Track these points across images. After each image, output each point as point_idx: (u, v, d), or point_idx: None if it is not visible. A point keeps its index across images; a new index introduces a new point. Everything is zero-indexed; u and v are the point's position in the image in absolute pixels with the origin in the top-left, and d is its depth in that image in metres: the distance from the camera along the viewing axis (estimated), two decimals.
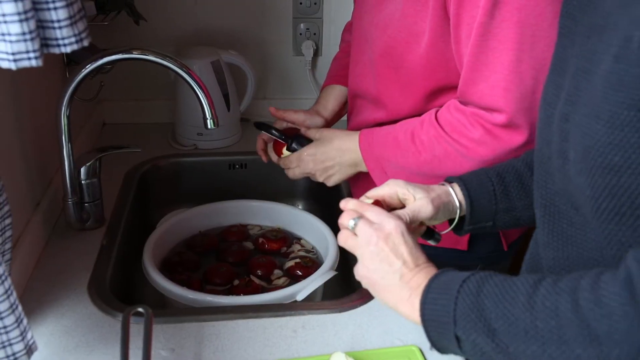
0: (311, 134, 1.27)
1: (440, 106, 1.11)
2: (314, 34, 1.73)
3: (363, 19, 1.22)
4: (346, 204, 0.82)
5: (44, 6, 0.71)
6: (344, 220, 0.80)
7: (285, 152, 1.28)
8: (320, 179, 1.24)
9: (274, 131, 1.28)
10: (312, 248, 1.32)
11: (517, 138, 1.00)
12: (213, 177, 1.55)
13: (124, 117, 1.72)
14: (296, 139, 1.26)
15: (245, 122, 1.68)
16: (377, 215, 0.78)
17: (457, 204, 0.89)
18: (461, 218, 0.90)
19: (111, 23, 1.45)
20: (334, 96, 1.38)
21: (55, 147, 1.15)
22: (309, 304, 1.06)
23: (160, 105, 1.72)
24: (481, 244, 1.21)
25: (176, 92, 1.60)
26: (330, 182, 1.24)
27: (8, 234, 0.91)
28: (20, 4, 0.67)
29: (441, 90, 1.11)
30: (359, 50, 1.25)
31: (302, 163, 1.24)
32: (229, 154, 1.58)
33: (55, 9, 0.71)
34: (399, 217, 0.79)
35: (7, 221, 0.89)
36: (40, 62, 0.71)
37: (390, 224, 0.76)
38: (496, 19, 0.96)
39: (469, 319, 0.65)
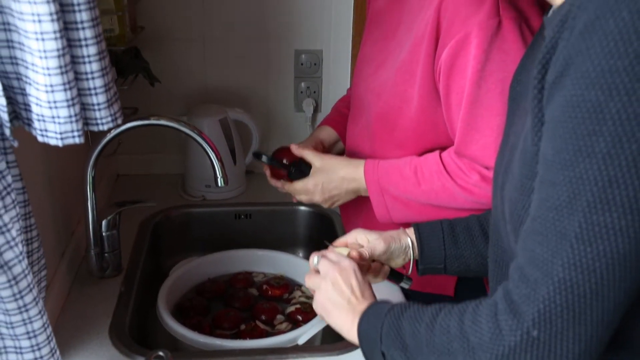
0: (310, 157, 1.32)
1: None
2: (314, 92, 1.86)
3: (360, 85, 1.35)
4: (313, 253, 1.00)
5: (87, 92, 0.84)
6: (310, 260, 0.98)
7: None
8: (326, 205, 1.33)
9: (273, 161, 1.35)
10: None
11: None
12: (220, 227, 1.67)
13: (137, 169, 1.84)
14: (296, 166, 1.33)
15: (250, 174, 1.80)
16: (335, 255, 0.95)
17: (409, 244, 1.05)
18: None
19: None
20: (322, 133, 1.50)
21: (78, 201, 1.27)
22: (310, 347, 1.16)
23: (170, 159, 1.85)
24: (467, 291, 1.31)
25: (186, 146, 1.72)
26: (333, 206, 1.34)
27: (43, 284, 1.02)
28: (69, 92, 0.80)
29: (432, 150, 1.24)
30: (357, 113, 1.38)
31: (309, 193, 1.32)
32: (235, 205, 1.70)
33: (96, 94, 0.84)
34: (353, 258, 0.96)
35: (43, 273, 1.01)
36: (82, 140, 0.84)
37: (345, 262, 0.93)
38: (482, 89, 1.08)
39: (390, 337, 0.80)
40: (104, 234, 1.29)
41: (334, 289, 0.90)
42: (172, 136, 1.77)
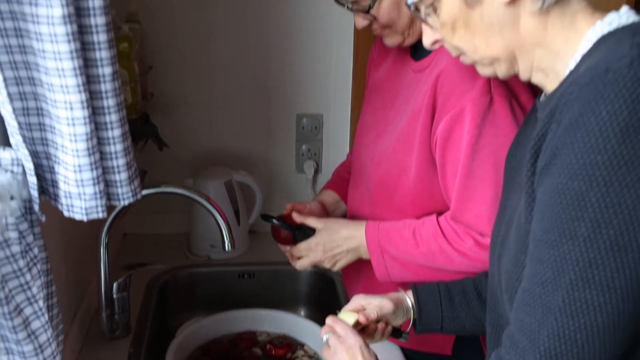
0: (312, 223, 1.38)
1: None
2: (315, 154, 1.94)
3: (361, 152, 1.43)
4: (327, 320, 1.05)
5: (111, 170, 0.90)
6: (321, 334, 1.04)
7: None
8: (327, 266, 1.36)
9: (280, 222, 1.40)
10: (314, 354, 1.47)
11: None
12: (224, 286, 1.72)
13: (143, 228, 1.90)
14: (300, 229, 1.38)
15: (253, 234, 1.86)
16: (343, 329, 1.01)
17: (410, 306, 1.11)
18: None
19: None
20: (324, 197, 1.56)
21: (89, 262, 1.32)
22: None
23: (176, 218, 1.91)
24: (465, 350, 1.36)
25: (191, 206, 1.79)
26: (336, 268, 1.37)
27: (61, 347, 1.07)
28: (95, 172, 0.87)
29: (429, 215, 1.30)
30: (357, 178, 1.45)
31: (312, 252, 1.36)
32: (239, 264, 1.75)
33: (119, 172, 0.90)
34: (361, 322, 1.03)
35: (60, 338, 1.06)
36: (105, 214, 0.90)
37: (351, 339, 0.99)
38: (476, 161, 1.16)
39: None
40: (114, 296, 1.34)
41: None
42: (178, 197, 1.83)
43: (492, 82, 1.14)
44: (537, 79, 0.86)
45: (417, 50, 1.31)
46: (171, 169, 1.85)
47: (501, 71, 0.87)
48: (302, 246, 1.37)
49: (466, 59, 0.90)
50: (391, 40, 1.28)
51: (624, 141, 0.66)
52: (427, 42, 0.93)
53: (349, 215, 1.49)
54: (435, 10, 0.86)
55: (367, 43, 1.81)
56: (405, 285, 1.20)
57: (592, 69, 0.70)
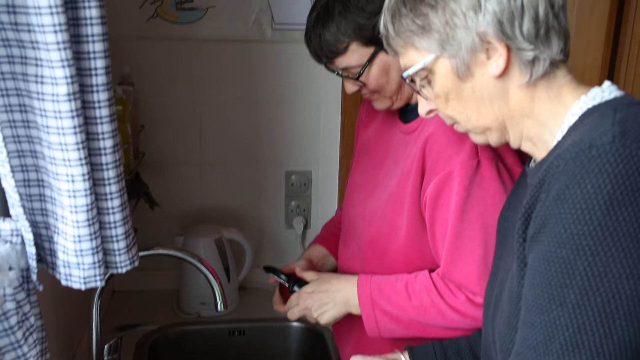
0: (308, 276, 1.40)
1: None
2: (304, 210, 1.97)
3: (351, 211, 1.45)
4: None
5: (110, 239, 0.92)
6: None
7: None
8: (315, 315, 1.36)
9: (280, 275, 1.43)
10: None
11: None
12: (215, 343, 1.71)
13: (133, 285, 1.90)
14: (296, 282, 1.40)
15: (243, 291, 1.86)
16: None
17: None
18: None
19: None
20: (312, 254, 1.58)
21: (79, 322, 1.32)
22: None
23: (166, 275, 1.91)
24: None
25: (181, 263, 1.79)
26: (323, 320, 1.36)
27: None
28: (94, 242, 0.88)
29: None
30: (348, 236, 1.47)
31: (301, 300, 1.36)
32: (229, 322, 1.75)
33: (117, 241, 0.92)
34: None
35: None
36: (103, 283, 0.91)
37: None
38: (464, 222, 1.18)
39: None
40: (105, 358, 1.34)
41: None
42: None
43: (479, 145, 1.18)
44: (526, 147, 0.91)
45: (405, 113, 1.35)
46: (162, 226, 1.86)
47: (493, 139, 0.92)
48: (293, 296, 1.38)
49: (459, 127, 0.94)
50: (380, 105, 1.32)
51: (608, 213, 0.69)
52: (422, 111, 0.97)
53: (339, 273, 1.51)
54: (429, 82, 0.91)
55: (355, 101, 1.86)
56: (397, 343, 1.20)
57: (576, 144, 0.74)
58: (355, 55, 1.22)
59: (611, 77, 2.12)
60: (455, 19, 0.84)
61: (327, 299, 1.34)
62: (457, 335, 1.21)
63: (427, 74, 0.90)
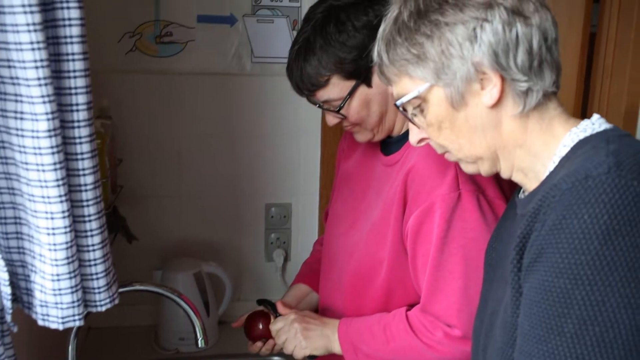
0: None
1: None
2: (284, 242, 1.95)
3: (333, 242, 1.44)
4: None
5: (89, 277, 0.90)
6: None
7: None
8: (299, 336, 1.32)
9: (272, 308, 1.41)
10: None
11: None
12: None
13: (109, 321, 1.85)
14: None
15: (222, 325, 1.83)
16: None
17: None
18: None
19: None
20: (295, 294, 1.56)
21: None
22: None
23: (143, 310, 1.87)
24: None
25: (159, 298, 1.76)
26: (304, 344, 1.32)
27: None
28: (73, 280, 0.86)
29: (401, 305, 1.31)
30: (329, 269, 1.46)
31: (288, 320, 1.34)
32: (209, 357, 1.72)
33: (97, 278, 0.90)
34: None
35: None
36: (82, 322, 0.89)
37: None
38: (445, 254, 1.18)
39: None
40: None
41: None
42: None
43: (460, 178, 1.19)
44: (517, 178, 0.91)
45: (387, 145, 1.35)
46: (140, 260, 1.83)
47: (484, 169, 0.92)
48: (280, 318, 1.37)
49: (450, 156, 0.94)
50: (361, 137, 1.32)
51: (605, 242, 0.70)
52: (413, 139, 0.97)
53: (321, 309, 1.49)
54: (422, 110, 0.91)
55: (335, 132, 1.87)
56: None
57: (572, 174, 0.74)
58: (336, 88, 1.23)
59: (585, 110, 2.16)
60: (451, 48, 0.84)
61: (313, 326, 1.33)
62: None
63: (421, 102, 0.90)
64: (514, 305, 0.80)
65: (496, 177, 1.24)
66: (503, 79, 0.84)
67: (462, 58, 0.84)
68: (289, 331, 1.35)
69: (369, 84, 1.24)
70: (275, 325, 1.37)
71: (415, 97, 0.89)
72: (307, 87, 1.24)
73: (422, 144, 0.97)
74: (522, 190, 0.95)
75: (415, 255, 1.23)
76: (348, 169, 1.49)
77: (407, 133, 1.30)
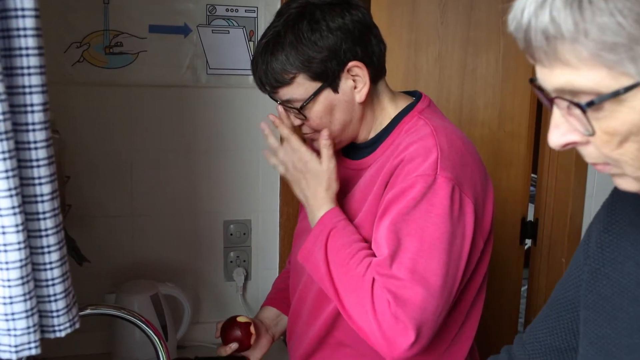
0: None
1: None
2: (244, 261, 1.87)
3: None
4: None
5: (46, 299, 0.81)
6: None
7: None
8: (283, 166, 1.26)
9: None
10: None
11: (405, 338, 1.07)
12: None
13: (57, 351, 1.72)
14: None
15: (181, 349, 1.74)
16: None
17: None
18: None
19: None
20: (265, 315, 1.49)
21: None
22: None
23: (95, 337, 1.75)
24: None
25: (113, 324, 1.65)
26: (288, 176, 1.25)
27: None
28: (28, 303, 0.77)
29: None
30: (296, 282, 1.39)
31: (286, 153, 1.25)
32: None
33: (55, 300, 0.81)
34: None
35: None
36: (39, 351, 0.80)
37: None
38: (403, 231, 1.10)
39: None
40: None
41: None
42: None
43: (439, 164, 1.11)
44: None
45: (353, 150, 1.30)
46: (91, 284, 1.71)
47: None
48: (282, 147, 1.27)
49: (612, 169, 0.70)
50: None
51: None
52: (557, 142, 0.69)
53: (290, 324, 1.42)
54: (596, 110, 0.64)
55: None
56: None
57: None
58: (300, 88, 1.18)
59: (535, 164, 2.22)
60: None
61: (303, 177, 1.24)
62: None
63: (603, 102, 0.63)
64: None
65: (476, 179, 1.19)
66: None
67: None
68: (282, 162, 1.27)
69: (335, 89, 1.19)
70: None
71: (610, 97, 0.62)
72: (270, 82, 1.19)
73: (567, 148, 0.70)
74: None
75: (377, 229, 1.14)
76: None
77: (379, 136, 1.26)
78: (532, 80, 0.69)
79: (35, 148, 0.75)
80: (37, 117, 0.74)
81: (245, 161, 1.83)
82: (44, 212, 0.77)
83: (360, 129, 1.26)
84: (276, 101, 1.24)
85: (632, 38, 0.58)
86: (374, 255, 1.15)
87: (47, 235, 0.78)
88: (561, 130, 0.68)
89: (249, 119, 1.80)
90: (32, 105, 0.73)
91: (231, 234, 1.85)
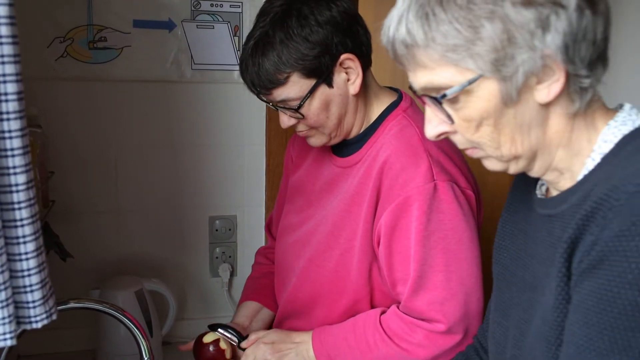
0: (261, 332, 1.35)
1: None
2: (230, 257, 1.87)
3: (289, 251, 1.39)
4: None
5: (22, 290, 0.80)
6: None
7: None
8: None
9: (230, 330, 1.36)
10: None
11: (452, 340, 1.15)
12: None
13: (39, 348, 1.72)
14: (245, 338, 1.34)
15: (167, 346, 1.73)
16: None
17: None
18: None
19: None
20: (246, 313, 1.49)
21: None
22: None
23: (79, 334, 1.74)
24: None
25: (97, 320, 1.64)
26: None
27: None
28: (3, 293, 0.77)
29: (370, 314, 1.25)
30: (286, 279, 1.38)
31: (259, 351, 1.27)
32: None
33: (31, 291, 0.81)
34: None
35: None
36: (15, 342, 0.79)
37: None
38: (427, 248, 1.13)
39: None
40: None
41: None
42: (80, 310, 1.68)
43: (433, 168, 1.14)
44: (549, 177, 0.83)
45: (341, 147, 1.31)
46: (75, 280, 1.70)
47: (515, 168, 0.83)
48: (249, 350, 1.30)
49: (478, 152, 0.83)
50: (317, 141, 1.27)
51: None
52: (431, 133, 0.82)
53: (280, 316, 1.42)
54: (455, 103, 0.78)
55: (280, 141, 1.81)
56: None
57: (637, 176, 0.68)
58: (295, 87, 1.17)
59: None
60: (518, 36, 0.71)
61: (287, 351, 1.27)
62: None
63: (458, 94, 0.76)
64: (559, 313, 0.74)
65: (462, 167, 1.20)
66: (567, 74, 0.74)
67: (531, 49, 0.72)
68: (262, 356, 1.28)
69: (330, 84, 1.19)
70: (246, 358, 1.30)
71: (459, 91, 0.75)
72: (264, 84, 1.17)
73: (440, 138, 0.83)
74: (539, 187, 0.88)
75: (391, 253, 1.17)
76: (300, 178, 1.44)
77: (365, 133, 1.26)
78: (410, 86, 0.82)
79: (10, 137, 0.74)
80: (12, 106, 0.73)
81: (231, 157, 1.83)
82: (19, 202, 0.77)
83: (354, 122, 1.26)
84: (267, 103, 1.22)
85: (468, 40, 0.72)
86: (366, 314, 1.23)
87: (22, 226, 0.77)
88: (433, 124, 0.81)
89: (234, 114, 1.80)
90: (6, 94, 0.73)
91: (216, 230, 1.85)
